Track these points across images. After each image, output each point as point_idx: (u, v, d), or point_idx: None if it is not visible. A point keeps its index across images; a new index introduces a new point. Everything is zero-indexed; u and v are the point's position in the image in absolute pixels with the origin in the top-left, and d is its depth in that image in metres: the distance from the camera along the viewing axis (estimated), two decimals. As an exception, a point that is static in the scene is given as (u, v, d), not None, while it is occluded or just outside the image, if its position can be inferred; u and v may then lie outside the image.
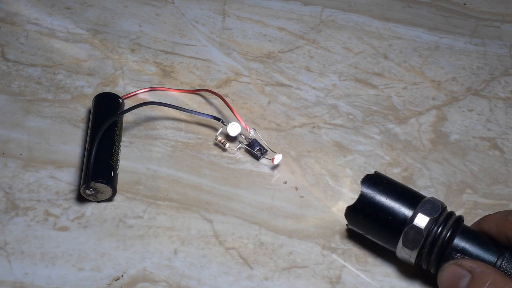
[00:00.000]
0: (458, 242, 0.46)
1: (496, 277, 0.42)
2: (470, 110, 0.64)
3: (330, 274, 0.50)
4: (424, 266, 0.48)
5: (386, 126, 0.62)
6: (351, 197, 0.55)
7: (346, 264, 0.51)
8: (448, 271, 0.44)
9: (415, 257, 0.47)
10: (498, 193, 0.56)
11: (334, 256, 0.51)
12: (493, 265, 0.45)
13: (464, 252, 0.46)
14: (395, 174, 0.57)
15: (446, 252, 0.46)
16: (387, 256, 0.51)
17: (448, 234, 0.46)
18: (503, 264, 0.45)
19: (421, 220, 0.47)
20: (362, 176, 0.50)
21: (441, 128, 0.62)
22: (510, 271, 0.45)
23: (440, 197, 0.55)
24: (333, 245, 0.52)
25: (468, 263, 0.44)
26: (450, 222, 0.47)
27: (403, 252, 0.47)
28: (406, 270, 0.50)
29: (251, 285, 0.49)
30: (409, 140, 0.61)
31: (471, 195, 0.56)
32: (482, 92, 0.66)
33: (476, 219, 0.49)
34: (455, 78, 0.67)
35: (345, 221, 0.52)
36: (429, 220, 0.46)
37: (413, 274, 0.50)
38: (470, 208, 0.55)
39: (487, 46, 0.71)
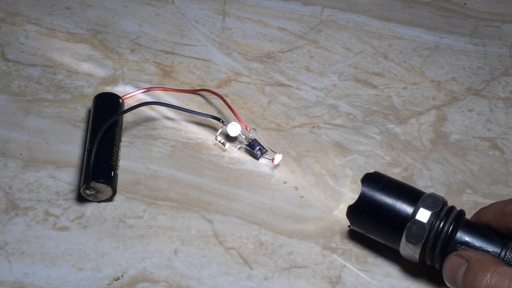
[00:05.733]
0: (461, 235, 0.46)
1: (490, 262, 0.43)
2: (470, 110, 0.64)
3: (330, 274, 0.50)
4: (428, 262, 0.48)
5: (386, 126, 0.62)
6: (351, 197, 0.55)
7: (346, 264, 0.51)
8: (449, 262, 0.45)
9: (419, 253, 0.47)
10: (498, 193, 0.56)
11: (334, 256, 0.51)
12: (497, 256, 0.45)
13: (467, 245, 0.46)
14: (395, 174, 0.57)
15: (450, 246, 0.46)
16: (388, 256, 0.51)
17: (451, 227, 0.46)
18: (507, 254, 0.45)
19: (423, 215, 0.47)
20: (362, 176, 0.50)
21: (441, 128, 0.62)
22: None
23: (440, 197, 0.55)
24: (333, 245, 0.52)
25: (467, 253, 0.45)
26: (452, 215, 0.47)
27: (407, 248, 0.47)
28: (406, 270, 0.50)
29: (251, 285, 0.49)
30: (409, 140, 0.61)
31: (471, 195, 0.56)
32: (482, 92, 0.66)
33: (476, 219, 0.49)
34: (455, 78, 0.67)
35: (345, 221, 0.52)
36: (431, 214, 0.47)
37: (414, 274, 0.50)
38: (470, 208, 0.55)
39: (487, 46, 0.71)
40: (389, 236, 0.49)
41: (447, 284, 0.45)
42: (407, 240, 0.47)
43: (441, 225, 0.47)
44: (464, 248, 0.46)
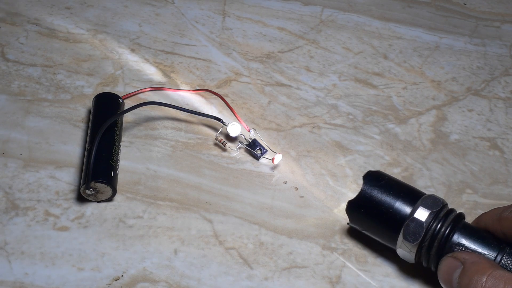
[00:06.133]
0: (458, 237, 0.46)
1: (486, 265, 0.43)
2: (470, 110, 0.64)
3: (330, 274, 0.50)
4: (424, 263, 0.48)
5: (386, 126, 0.62)
6: (351, 197, 0.55)
7: (346, 264, 0.51)
8: (445, 264, 0.45)
9: (415, 251, 0.47)
10: (498, 193, 0.56)
11: (334, 256, 0.51)
12: (493, 260, 0.45)
13: (464, 247, 0.46)
14: (395, 174, 0.57)
15: (446, 247, 0.46)
16: (387, 256, 0.51)
17: (449, 228, 0.46)
18: (503, 259, 0.45)
19: (422, 213, 0.47)
20: (362, 176, 0.50)
21: (441, 128, 0.62)
22: (511, 267, 0.45)
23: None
24: (333, 245, 0.52)
25: (462, 255, 0.44)
26: (451, 217, 0.47)
27: (404, 246, 0.47)
28: (406, 270, 0.50)
29: (251, 285, 0.49)
30: (409, 140, 0.61)
31: (471, 195, 0.56)
32: (482, 92, 0.66)
33: (476, 219, 0.49)
34: (455, 78, 0.67)
35: (345, 221, 0.52)
36: (430, 213, 0.47)
37: (413, 274, 0.50)
38: (470, 208, 0.55)
39: (487, 46, 0.71)
40: (387, 233, 0.48)
41: (442, 286, 0.45)
42: (404, 237, 0.47)
43: (439, 225, 0.46)
44: (460, 250, 0.46)
